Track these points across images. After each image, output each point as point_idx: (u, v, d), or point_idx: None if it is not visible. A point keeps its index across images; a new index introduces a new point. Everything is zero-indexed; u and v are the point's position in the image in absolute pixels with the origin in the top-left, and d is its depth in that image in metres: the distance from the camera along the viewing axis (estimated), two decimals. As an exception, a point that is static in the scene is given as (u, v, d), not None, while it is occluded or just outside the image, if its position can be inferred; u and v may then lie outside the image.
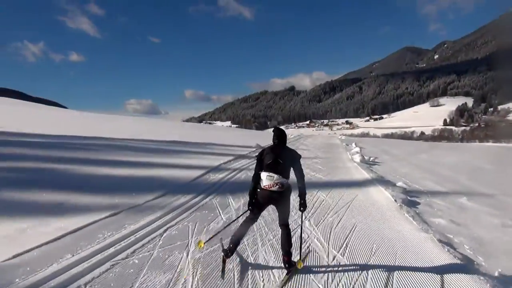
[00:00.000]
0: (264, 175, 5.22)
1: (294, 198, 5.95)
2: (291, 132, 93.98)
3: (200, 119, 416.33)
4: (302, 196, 5.31)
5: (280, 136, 5.37)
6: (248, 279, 5.30)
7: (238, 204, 9.34)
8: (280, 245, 5.49)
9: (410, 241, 6.87)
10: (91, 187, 9.57)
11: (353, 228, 7.61)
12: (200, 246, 5.64)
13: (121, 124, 40.71)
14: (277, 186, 5.12)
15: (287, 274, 5.26)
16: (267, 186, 5.17)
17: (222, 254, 5.43)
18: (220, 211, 8.59)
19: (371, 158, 21.44)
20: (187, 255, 5.97)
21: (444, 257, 6.11)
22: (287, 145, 5.52)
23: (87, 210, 7.65)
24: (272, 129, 5.72)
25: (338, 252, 6.28)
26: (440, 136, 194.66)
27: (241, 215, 6.76)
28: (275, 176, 5.12)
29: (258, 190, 5.34)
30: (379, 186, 11.71)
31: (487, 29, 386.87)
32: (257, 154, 5.67)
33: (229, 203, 9.43)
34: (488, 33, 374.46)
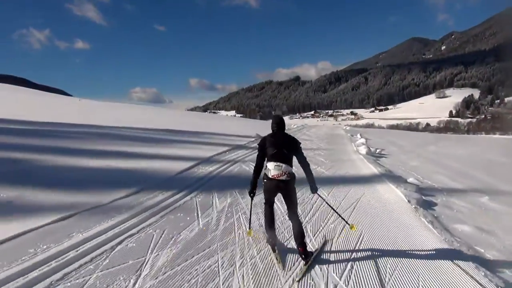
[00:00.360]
0: (271, 164, 5.13)
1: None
2: (294, 122, 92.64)
3: (204, 108, 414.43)
4: (311, 178, 5.38)
5: (279, 124, 5.47)
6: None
7: (223, 204, 7.99)
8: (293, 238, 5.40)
9: (433, 261, 5.37)
10: (56, 182, 8.29)
11: (360, 239, 6.18)
12: (250, 234, 5.92)
13: (122, 112, 39.65)
14: (285, 175, 5.09)
15: (305, 264, 5.10)
16: (275, 176, 5.10)
17: (270, 247, 5.55)
18: (199, 214, 7.22)
19: (378, 150, 20.04)
20: (135, 285, 4.47)
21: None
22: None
23: (37, 211, 6.32)
24: (272, 117, 5.72)
25: (340, 279, 4.82)
26: (446, 128, 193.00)
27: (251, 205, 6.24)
28: (283, 165, 5.09)
29: (265, 180, 5.30)
30: (389, 182, 10.29)
31: (495, 20, 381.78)
32: (256, 144, 5.96)
33: (212, 202, 8.06)
34: (496, 24, 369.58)
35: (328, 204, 6.40)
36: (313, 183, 5.40)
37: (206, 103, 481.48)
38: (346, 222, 5.90)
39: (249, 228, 5.89)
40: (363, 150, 18.65)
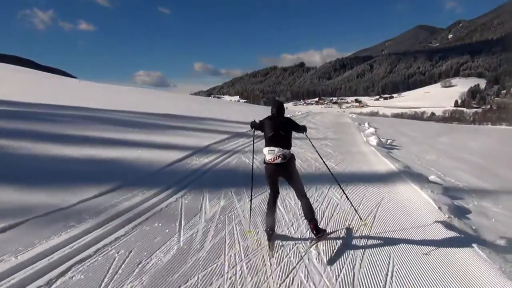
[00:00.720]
0: (266, 150, 5.31)
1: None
2: (299, 109, 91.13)
3: (208, 93, 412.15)
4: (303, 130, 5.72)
5: (279, 108, 5.58)
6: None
7: (215, 208, 6.65)
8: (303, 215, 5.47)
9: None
10: (16, 174, 6.97)
11: (389, 270, 4.58)
12: (250, 232, 5.64)
13: (122, 95, 38.23)
14: (280, 158, 5.17)
15: (316, 239, 5.31)
16: (270, 160, 5.23)
17: (266, 236, 5.33)
18: (182, 223, 5.83)
19: (388, 141, 18.59)
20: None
21: None
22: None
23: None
24: (272, 102, 5.69)
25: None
26: (451, 118, 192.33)
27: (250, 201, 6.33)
28: (276, 149, 5.18)
29: (265, 164, 5.41)
30: (411, 182, 8.82)
31: (503, 9, 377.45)
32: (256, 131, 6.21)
33: (202, 206, 6.72)
34: (504, 13, 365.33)
35: (335, 179, 6.56)
36: (303, 130, 5.74)
37: (210, 88, 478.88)
38: (359, 216, 6.12)
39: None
40: (373, 140, 17.24)
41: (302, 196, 5.38)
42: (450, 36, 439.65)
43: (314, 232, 5.22)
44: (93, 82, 71.02)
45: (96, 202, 6.19)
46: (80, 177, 7.36)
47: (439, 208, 6.92)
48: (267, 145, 5.36)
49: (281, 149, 5.17)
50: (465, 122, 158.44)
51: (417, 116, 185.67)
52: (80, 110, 17.73)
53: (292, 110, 51.52)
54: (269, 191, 5.62)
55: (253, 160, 7.17)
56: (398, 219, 6.50)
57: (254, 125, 5.94)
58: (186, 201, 6.85)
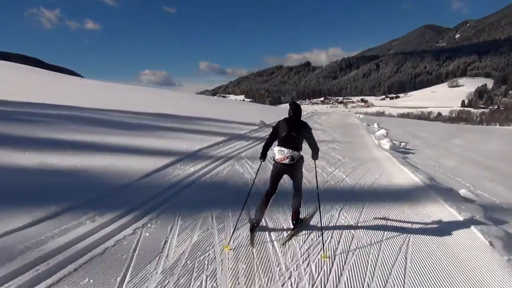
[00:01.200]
0: (276, 149, 5.44)
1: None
2: (304, 108, 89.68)
3: (214, 92, 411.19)
4: (314, 154, 5.65)
5: (296, 111, 5.53)
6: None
7: (183, 247, 4.88)
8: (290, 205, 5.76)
9: None
10: None
11: None
12: (227, 248, 5.02)
13: (121, 94, 36.95)
14: (288, 159, 5.32)
15: (293, 229, 5.63)
16: (279, 160, 5.38)
17: (249, 225, 5.62)
18: (126, 279, 3.99)
19: (402, 144, 16.83)
20: None
21: None
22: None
23: None
24: (289, 103, 5.89)
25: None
26: (458, 118, 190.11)
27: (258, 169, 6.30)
28: (285, 150, 5.30)
29: (273, 162, 5.55)
30: (442, 201, 7.05)
31: (511, 9, 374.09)
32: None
33: (167, 242, 4.97)
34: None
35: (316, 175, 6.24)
36: (316, 153, 5.64)
37: (215, 87, 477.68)
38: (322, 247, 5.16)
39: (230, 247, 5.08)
40: (386, 144, 15.49)
41: (297, 189, 5.70)
42: (457, 36, 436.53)
43: (294, 222, 5.71)
44: (95, 80, 69.95)
45: (19, 237, 4.45)
46: (18, 196, 5.69)
47: (491, 243, 5.12)
48: (278, 144, 5.46)
49: (290, 150, 5.30)
50: (472, 123, 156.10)
51: (424, 116, 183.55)
52: (66, 109, 16.13)
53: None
54: (268, 185, 5.74)
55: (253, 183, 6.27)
56: (441, 266, 4.65)
57: (264, 155, 5.83)
58: (147, 234, 5.10)
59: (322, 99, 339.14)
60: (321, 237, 5.25)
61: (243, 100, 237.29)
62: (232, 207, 6.24)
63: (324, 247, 5.08)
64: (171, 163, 9.26)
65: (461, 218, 6.13)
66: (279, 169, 5.54)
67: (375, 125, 26.68)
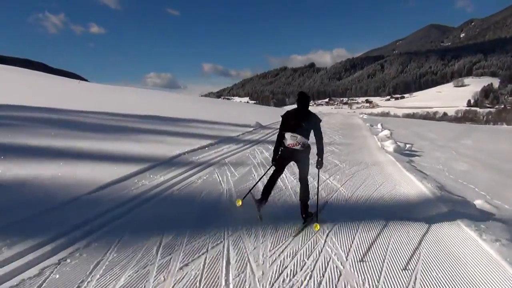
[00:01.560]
0: (288, 135, 5.53)
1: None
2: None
3: (218, 95, 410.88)
4: (320, 153, 5.70)
5: (304, 101, 5.68)
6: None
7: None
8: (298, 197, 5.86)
9: None
10: None
11: None
12: (239, 204, 5.83)
13: (119, 96, 35.28)
14: (299, 145, 5.50)
15: (303, 223, 5.59)
16: (290, 145, 5.53)
17: (257, 204, 5.72)
18: None
19: (407, 146, 15.46)
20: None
21: None
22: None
23: None
24: (297, 93, 5.88)
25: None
26: (464, 118, 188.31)
27: (265, 172, 6.73)
28: (298, 136, 5.47)
29: (282, 148, 5.69)
30: (458, 220, 5.71)
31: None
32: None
33: (80, 287, 3.66)
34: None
35: (317, 187, 6.20)
36: (321, 158, 5.70)
37: (220, 89, 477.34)
38: (317, 219, 5.58)
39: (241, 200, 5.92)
40: (389, 146, 14.16)
41: (302, 179, 5.76)
42: (462, 35, 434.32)
43: (303, 215, 5.67)
44: (99, 84, 69.05)
45: None
46: None
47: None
48: (289, 131, 5.55)
49: (302, 137, 5.48)
50: (479, 122, 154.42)
51: (429, 116, 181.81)
52: (45, 112, 14.81)
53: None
54: (273, 168, 5.97)
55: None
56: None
57: (276, 154, 5.93)
58: (57, 276, 3.67)
59: (327, 100, 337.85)
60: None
61: (247, 102, 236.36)
62: (191, 230, 5.00)
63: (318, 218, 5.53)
64: (139, 171, 8.01)
65: (483, 244, 4.78)
66: (288, 154, 5.68)
67: (379, 126, 25.30)
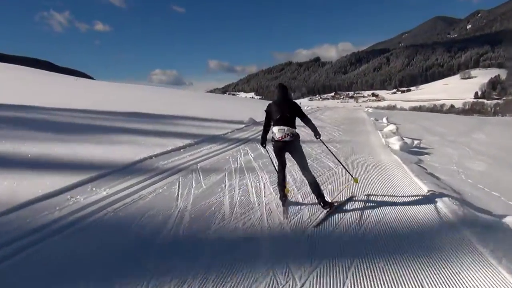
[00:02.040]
0: (276, 128, 5.65)
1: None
2: (310, 104, 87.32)
3: (224, 90, 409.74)
4: (313, 129, 5.89)
5: (283, 91, 5.87)
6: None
7: None
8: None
9: None
10: None
11: None
12: (288, 191, 5.99)
13: (115, 93, 33.79)
14: (289, 136, 5.59)
15: (325, 213, 5.55)
16: (280, 138, 5.61)
17: (281, 202, 5.87)
18: None
19: (415, 142, 13.74)
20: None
21: None
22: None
23: None
24: (276, 86, 6.09)
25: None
26: (472, 110, 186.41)
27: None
28: (285, 128, 5.60)
29: (273, 142, 5.73)
30: (495, 264, 3.95)
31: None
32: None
33: None
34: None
35: (331, 152, 7.39)
36: (316, 131, 5.90)
37: (225, 85, 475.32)
38: (351, 175, 6.50)
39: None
40: (395, 143, 12.49)
41: (305, 171, 5.76)
42: (469, 26, 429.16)
43: (321, 204, 5.65)
44: (103, 81, 67.89)
45: None
46: None
47: None
48: (275, 125, 5.69)
49: (289, 128, 5.60)
50: (487, 114, 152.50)
51: (436, 109, 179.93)
52: (23, 110, 13.38)
53: (307, 104, 46.87)
54: (277, 163, 6.01)
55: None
56: None
57: (264, 139, 6.14)
58: None
59: (332, 94, 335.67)
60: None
61: (253, 98, 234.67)
62: (102, 282, 3.38)
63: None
64: (80, 183, 6.49)
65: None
66: (280, 148, 5.73)
67: (384, 120, 23.51)
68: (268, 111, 5.88)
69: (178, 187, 6.73)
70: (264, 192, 6.51)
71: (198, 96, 48.91)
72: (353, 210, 5.70)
